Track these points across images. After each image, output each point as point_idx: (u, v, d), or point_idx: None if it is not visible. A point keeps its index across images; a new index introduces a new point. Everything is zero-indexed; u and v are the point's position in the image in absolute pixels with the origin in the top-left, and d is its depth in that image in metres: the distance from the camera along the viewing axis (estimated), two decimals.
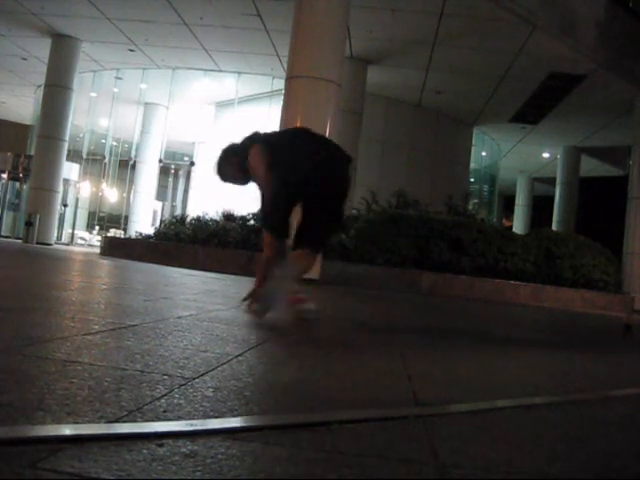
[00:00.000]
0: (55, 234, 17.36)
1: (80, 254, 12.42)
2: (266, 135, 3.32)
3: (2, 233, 19.89)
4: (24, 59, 17.54)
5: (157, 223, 18.53)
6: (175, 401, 1.21)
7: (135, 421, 1.05)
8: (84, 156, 21.45)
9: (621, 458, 1.18)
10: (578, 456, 1.14)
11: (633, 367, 2.98)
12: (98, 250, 13.84)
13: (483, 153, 21.61)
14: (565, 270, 10.41)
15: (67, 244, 19.96)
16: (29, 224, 15.60)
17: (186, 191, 25.43)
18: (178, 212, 21.02)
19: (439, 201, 12.47)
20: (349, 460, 0.96)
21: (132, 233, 17.05)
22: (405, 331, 3.57)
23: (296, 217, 3.08)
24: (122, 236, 18.78)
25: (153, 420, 1.07)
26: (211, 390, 1.35)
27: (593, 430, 1.38)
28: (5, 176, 19.91)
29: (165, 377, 1.41)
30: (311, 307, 2.87)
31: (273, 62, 15.30)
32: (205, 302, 3.52)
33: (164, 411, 1.13)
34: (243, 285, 6.16)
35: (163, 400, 1.20)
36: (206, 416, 1.14)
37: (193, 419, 1.11)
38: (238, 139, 3.32)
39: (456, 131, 18.52)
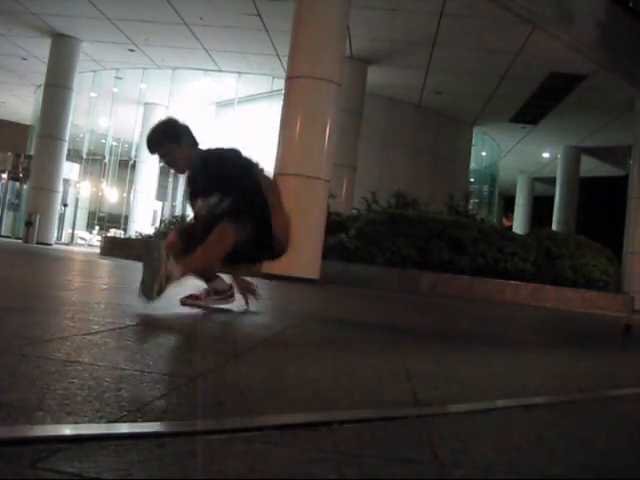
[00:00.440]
0: (55, 234, 17.36)
1: (80, 254, 12.42)
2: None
3: (2, 233, 19.89)
4: (24, 59, 17.54)
5: (157, 223, 18.52)
6: (175, 401, 1.21)
7: (135, 421, 1.05)
8: (84, 156, 21.46)
9: (621, 458, 1.18)
10: (578, 456, 1.14)
11: (633, 367, 2.98)
12: (98, 250, 13.85)
13: (483, 153, 21.60)
14: (565, 270, 10.41)
15: (67, 244, 19.96)
16: (29, 224, 15.61)
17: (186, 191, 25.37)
18: (178, 212, 21.01)
19: (439, 201, 12.47)
20: (349, 460, 0.96)
21: (132, 233, 17.06)
22: (405, 331, 3.57)
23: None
24: (122, 236, 18.78)
25: (153, 420, 1.07)
26: (211, 390, 1.35)
27: (593, 430, 1.38)
28: (5, 176, 19.91)
29: (165, 377, 1.41)
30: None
31: (273, 62, 15.30)
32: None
33: (164, 411, 1.13)
34: None
35: (163, 400, 1.20)
36: (206, 416, 1.14)
37: (193, 419, 1.11)
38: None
39: (456, 131, 18.52)
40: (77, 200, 22.15)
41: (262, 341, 2.40)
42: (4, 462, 0.81)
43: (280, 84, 13.39)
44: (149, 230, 14.87)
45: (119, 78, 18.61)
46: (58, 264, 7.65)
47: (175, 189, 28.85)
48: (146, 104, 20.70)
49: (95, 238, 22.03)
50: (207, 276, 3.14)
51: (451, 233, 9.72)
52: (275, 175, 8.13)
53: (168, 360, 1.63)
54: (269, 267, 6.64)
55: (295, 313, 3.18)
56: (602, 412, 1.66)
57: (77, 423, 1.00)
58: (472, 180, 21.26)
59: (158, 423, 1.06)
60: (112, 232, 21.65)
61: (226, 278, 3.23)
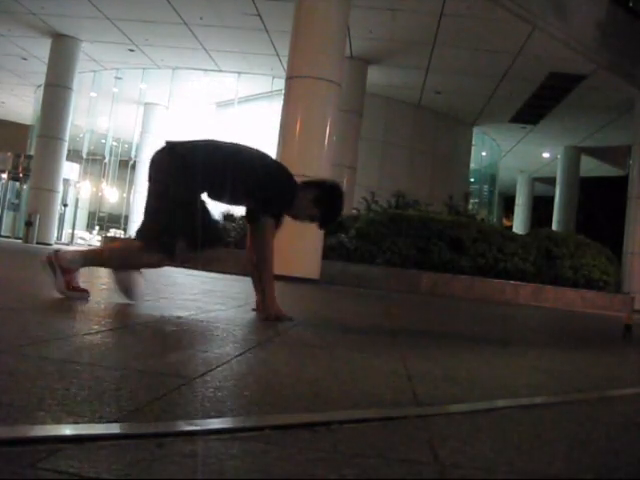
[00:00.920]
0: (55, 234, 17.36)
1: None
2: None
3: (2, 233, 19.88)
4: (24, 59, 17.54)
5: None
6: (175, 401, 1.21)
7: (135, 421, 1.05)
8: (84, 156, 21.46)
9: (621, 458, 1.18)
10: (578, 456, 1.14)
11: (633, 367, 2.98)
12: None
13: (483, 153, 21.61)
14: (565, 270, 10.41)
15: (67, 244, 19.95)
16: (29, 224, 15.61)
17: None
18: None
19: (439, 201, 12.48)
20: (349, 460, 0.96)
21: (132, 233, 17.06)
22: (405, 331, 3.57)
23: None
24: (122, 236, 18.78)
25: (153, 420, 1.07)
26: (211, 390, 1.35)
27: (593, 430, 1.38)
28: (5, 176, 19.91)
29: (165, 377, 1.41)
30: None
31: (273, 62, 15.30)
32: (205, 302, 3.52)
33: (164, 411, 1.13)
34: (243, 285, 6.16)
35: (163, 400, 1.20)
36: (206, 416, 1.14)
37: (193, 419, 1.11)
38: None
39: (456, 131, 18.52)
40: (77, 200, 22.15)
41: (262, 341, 2.40)
42: (4, 462, 0.81)
43: (280, 84, 13.39)
44: None
45: (119, 78, 18.62)
46: None
47: None
48: (146, 104, 20.71)
49: (95, 238, 22.03)
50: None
51: (451, 233, 9.72)
52: None
53: (168, 360, 1.63)
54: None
55: (295, 313, 3.18)
56: (602, 412, 1.66)
57: (77, 423, 1.00)
58: (472, 180, 21.27)
59: (158, 423, 1.05)
60: (112, 232, 21.65)
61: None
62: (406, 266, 9.47)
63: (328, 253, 9.10)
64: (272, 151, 9.01)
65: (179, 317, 2.67)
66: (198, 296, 4.06)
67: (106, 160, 21.82)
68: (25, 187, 19.56)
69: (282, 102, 9.20)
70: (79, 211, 23.06)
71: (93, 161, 22.15)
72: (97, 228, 24.50)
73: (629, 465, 1.14)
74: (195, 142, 3.07)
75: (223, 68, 16.70)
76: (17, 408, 1.04)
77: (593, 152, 20.87)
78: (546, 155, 22.60)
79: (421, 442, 1.11)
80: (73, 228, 21.81)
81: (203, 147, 3.03)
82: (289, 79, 9.00)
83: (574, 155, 21.10)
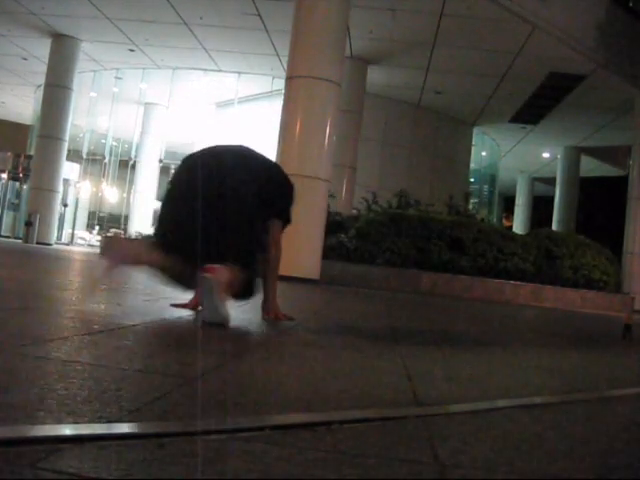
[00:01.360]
0: (55, 234, 17.37)
1: (80, 254, 12.43)
2: None
3: (2, 233, 19.89)
4: (24, 59, 17.54)
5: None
6: (175, 401, 1.21)
7: (135, 421, 1.05)
8: (84, 156, 21.46)
9: (621, 458, 1.18)
10: (578, 456, 1.14)
11: (633, 367, 2.98)
12: (98, 250, 13.85)
13: (483, 153, 21.61)
14: (565, 270, 10.41)
15: (67, 244, 19.96)
16: (29, 224, 15.61)
17: None
18: None
19: (439, 201, 12.48)
20: (349, 460, 0.96)
21: (132, 233, 17.06)
22: (405, 331, 3.57)
23: None
24: (122, 236, 18.78)
25: (153, 420, 1.07)
26: (211, 390, 1.35)
27: (593, 430, 1.38)
28: (5, 176, 19.91)
29: (165, 377, 1.41)
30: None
31: (273, 62, 15.30)
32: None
33: (164, 411, 1.13)
34: None
35: (163, 400, 1.20)
36: (206, 416, 1.14)
37: (193, 419, 1.11)
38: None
39: (456, 131, 18.52)
40: (77, 200, 22.15)
41: (262, 341, 2.40)
42: (4, 462, 0.80)
43: (280, 84, 13.39)
44: (149, 230, 14.86)
45: (119, 78, 18.62)
46: (58, 264, 7.65)
47: None
48: (146, 104, 20.70)
49: (95, 238, 22.03)
50: None
51: (451, 233, 9.72)
52: None
53: (168, 360, 1.63)
54: None
55: (295, 313, 3.18)
56: (602, 412, 1.66)
57: (77, 423, 1.00)
58: (472, 180, 21.27)
59: (158, 423, 1.06)
60: (112, 232, 21.65)
61: None
62: (406, 266, 9.47)
63: (328, 253, 9.10)
64: (272, 151, 9.02)
65: (179, 317, 2.67)
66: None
67: (106, 160, 21.82)
68: (25, 187, 19.56)
69: (282, 102, 9.20)
70: (79, 211, 23.07)
71: (93, 161, 22.15)
72: (97, 228, 24.50)
73: (629, 465, 1.14)
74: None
75: (223, 68, 16.70)
76: (17, 408, 1.04)
77: (593, 152, 20.87)
78: (546, 155, 22.60)
79: (421, 442, 1.11)
80: (73, 228, 21.82)
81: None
82: (289, 79, 9.00)
83: (574, 155, 21.10)
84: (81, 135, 21.46)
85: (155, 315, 2.67)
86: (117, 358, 1.59)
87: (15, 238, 18.36)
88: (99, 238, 18.15)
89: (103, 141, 22.30)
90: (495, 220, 23.53)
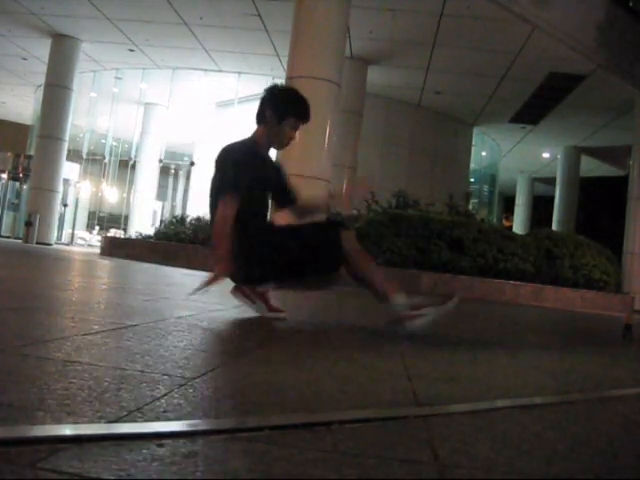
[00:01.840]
0: (55, 234, 17.37)
1: (80, 254, 12.43)
2: None
3: (2, 233, 19.89)
4: (24, 59, 17.54)
5: (157, 223, 18.53)
6: (175, 401, 1.21)
7: (135, 421, 1.05)
8: (84, 156, 21.46)
9: (621, 458, 1.18)
10: (578, 456, 1.14)
11: (633, 367, 2.98)
12: (98, 250, 13.85)
13: (483, 153, 21.61)
14: (565, 270, 10.40)
15: (67, 244, 19.96)
16: (29, 224, 15.61)
17: (186, 191, 25.44)
18: (178, 212, 21.03)
19: (439, 201, 12.47)
20: (349, 460, 0.96)
21: (132, 233, 17.06)
22: (405, 331, 3.56)
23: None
24: (122, 236, 18.79)
25: (153, 420, 1.07)
26: (211, 390, 1.35)
27: (593, 430, 1.38)
28: (5, 176, 19.92)
29: (165, 377, 1.41)
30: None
31: (273, 62, 15.30)
32: (205, 302, 3.52)
33: (164, 411, 1.13)
34: None
35: (163, 400, 1.20)
36: (206, 416, 1.14)
37: (193, 419, 1.11)
38: None
39: (456, 131, 18.52)
40: (77, 200, 22.15)
41: (262, 341, 2.40)
42: (4, 462, 0.81)
43: None
44: (149, 230, 14.87)
45: (119, 78, 18.62)
46: (58, 264, 7.66)
47: (175, 189, 28.91)
48: (146, 104, 20.71)
49: (95, 238, 22.03)
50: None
51: (451, 233, 9.72)
52: None
53: (168, 360, 1.63)
54: None
55: (295, 313, 3.18)
56: (602, 412, 1.66)
57: (77, 423, 1.00)
58: (472, 180, 21.27)
59: (158, 423, 1.06)
60: (112, 232, 21.66)
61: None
62: (406, 266, 9.47)
63: None
64: (272, 151, 9.01)
65: (179, 317, 2.67)
66: (198, 296, 4.05)
67: (106, 160, 21.82)
68: (25, 187, 19.56)
69: None
70: (79, 211, 23.07)
71: (93, 161, 22.15)
72: (97, 228, 24.50)
73: (629, 465, 1.14)
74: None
75: (223, 68, 16.70)
76: (17, 408, 1.04)
77: (593, 152, 20.87)
78: (546, 155, 22.60)
79: (421, 442, 1.11)
80: (73, 228, 21.82)
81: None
82: (289, 79, 9.00)
83: (574, 155, 21.10)
84: (81, 135, 21.46)
85: (155, 315, 2.67)
86: (117, 358, 1.59)
87: (15, 238, 18.37)
88: (99, 238, 18.15)
89: (103, 141, 22.31)
90: (495, 220, 23.53)
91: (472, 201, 19.11)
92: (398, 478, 0.92)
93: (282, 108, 3.26)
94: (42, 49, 15.93)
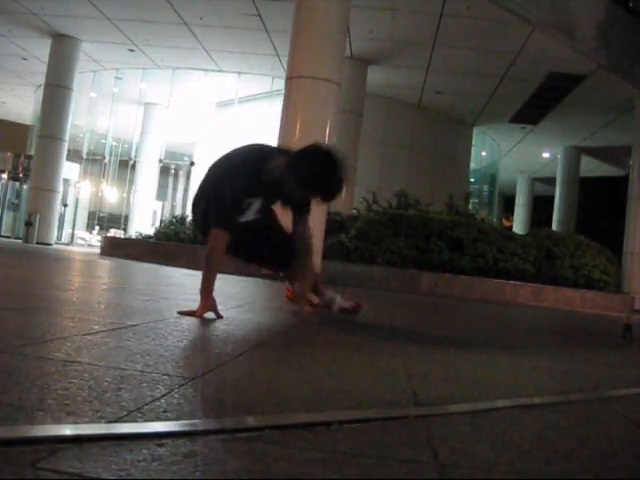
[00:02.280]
0: (55, 234, 17.36)
1: (80, 254, 12.43)
2: None
3: (2, 233, 19.89)
4: (24, 59, 17.54)
5: (157, 223, 18.53)
6: (175, 401, 1.21)
7: (135, 421, 1.05)
8: (84, 156, 21.46)
9: (621, 458, 1.18)
10: (578, 456, 1.14)
11: (633, 367, 2.98)
12: (98, 250, 13.85)
13: (483, 153, 21.61)
14: (565, 270, 10.40)
15: (67, 244, 19.96)
16: (29, 224, 15.61)
17: (186, 191, 25.46)
18: (178, 212, 21.03)
19: (439, 201, 12.48)
20: (349, 460, 0.96)
21: (132, 233, 17.06)
22: (405, 331, 3.57)
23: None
24: (122, 236, 18.79)
25: (153, 420, 1.07)
26: (211, 390, 1.35)
27: (593, 430, 1.38)
28: (5, 176, 19.91)
29: (165, 377, 1.41)
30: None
31: (273, 62, 15.30)
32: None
33: (164, 411, 1.13)
34: (243, 285, 6.16)
35: (163, 400, 1.20)
36: (206, 416, 1.14)
37: (193, 419, 1.11)
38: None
39: (456, 131, 18.52)
40: (77, 200, 22.15)
41: (262, 341, 2.40)
42: (4, 462, 0.81)
43: (280, 84, 13.39)
44: (149, 230, 14.87)
45: (119, 78, 18.61)
46: (58, 264, 7.66)
47: (175, 189, 28.91)
48: (146, 104, 20.70)
49: (95, 238, 22.03)
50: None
51: (451, 233, 9.72)
52: None
53: (168, 360, 1.63)
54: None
55: (295, 313, 3.18)
56: (602, 412, 1.66)
57: (77, 423, 1.00)
58: (472, 180, 21.27)
59: (158, 423, 1.06)
60: (112, 232, 21.66)
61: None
62: (406, 266, 9.47)
63: (328, 253, 9.09)
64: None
65: (179, 317, 2.67)
66: (198, 296, 4.05)
67: (106, 160, 21.82)
68: (25, 187, 19.56)
69: (282, 102, 9.19)
70: (79, 211, 23.07)
71: (93, 161, 22.15)
72: (97, 228, 24.50)
73: (629, 465, 1.14)
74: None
75: (223, 68, 16.70)
76: (17, 408, 1.04)
77: (593, 152, 20.87)
78: (546, 155, 22.60)
79: (421, 442, 1.11)
80: (73, 228, 21.81)
81: None
82: (289, 79, 9.00)
83: (574, 155, 21.09)
84: (81, 135, 21.46)
85: (155, 315, 2.67)
86: (117, 358, 1.59)
87: (15, 238, 18.36)
88: (99, 238, 18.16)
89: (103, 141, 22.31)
90: (495, 220, 23.53)
91: (472, 201, 19.12)
92: (398, 478, 0.92)
93: (308, 185, 2.84)
94: (42, 49, 15.93)
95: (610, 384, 2.21)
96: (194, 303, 3.44)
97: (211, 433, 1.04)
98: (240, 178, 2.85)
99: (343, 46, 9.43)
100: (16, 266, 6.09)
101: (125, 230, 21.00)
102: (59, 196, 16.62)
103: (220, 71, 16.95)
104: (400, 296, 7.91)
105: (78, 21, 14.37)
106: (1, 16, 14.25)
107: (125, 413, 1.08)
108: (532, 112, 16.85)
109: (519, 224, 25.93)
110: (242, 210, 2.80)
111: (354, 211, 11.72)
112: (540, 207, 26.96)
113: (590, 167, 22.29)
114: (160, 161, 20.94)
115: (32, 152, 18.30)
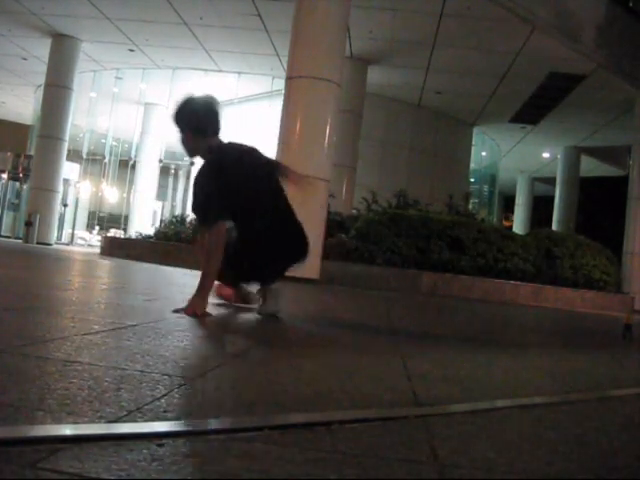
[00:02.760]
0: (55, 234, 17.36)
1: (80, 254, 12.43)
2: None
3: (2, 233, 19.88)
4: (24, 59, 17.54)
5: (157, 223, 18.53)
6: (175, 401, 1.21)
7: (135, 421, 1.05)
8: (84, 156, 21.46)
9: (621, 458, 1.18)
10: (578, 456, 1.14)
11: (633, 367, 2.98)
12: (98, 250, 13.85)
13: (483, 153, 21.61)
14: (565, 270, 10.40)
15: (67, 244, 19.96)
16: (29, 224, 15.60)
17: (186, 191, 25.43)
18: (178, 212, 21.03)
19: (439, 201, 12.48)
20: (349, 460, 0.96)
21: (132, 233, 17.06)
22: (405, 331, 3.57)
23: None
24: (122, 236, 18.79)
25: (153, 420, 1.07)
26: (211, 390, 1.35)
27: (593, 430, 1.38)
28: (5, 176, 19.91)
29: (165, 377, 1.41)
30: None
31: (273, 62, 15.30)
32: None
33: (164, 411, 1.13)
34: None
35: (163, 400, 1.20)
36: (206, 416, 1.14)
37: (193, 419, 1.11)
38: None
39: (456, 131, 18.51)
40: (77, 200, 22.14)
41: (262, 341, 2.40)
42: (4, 462, 0.81)
43: (280, 84, 13.38)
44: (149, 230, 14.87)
45: (119, 78, 18.61)
46: (58, 264, 7.66)
47: (175, 189, 28.90)
48: (146, 104, 20.70)
49: (95, 238, 22.03)
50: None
51: (451, 233, 9.72)
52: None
53: (168, 360, 1.63)
54: None
55: (295, 313, 3.18)
56: (602, 412, 1.66)
57: (77, 423, 1.00)
58: (472, 180, 21.26)
59: (158, 423, 1.06)
60: (112, 232, 21.66)
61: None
62: (406, 266, 9.47)
63: (328, 253, 9.09)
64: (272, 151, 9.02)
65: (179, 317, 2.67)
66: None
67: (106, 160, 21.82)
68: (25, 187, 19.55)
69: (282, 102, 9.19)
70: (79, 211, 23.06)
71: (93, 161, 22.14)
72: (97, 228, 24.50)
73: (629, 465, 1.14)
74: None
75: (223, 68, 16.69)
76: (17, 408, 1.04)
77: (593, 152, 20.86)
78: (546, 155, 22.59)
79: (421, 442, 1.11)
80: (73, 228, 21.81)
81: None
82: (289, 79, 8.99)
83: (574, 155, 21.09)
84: (81, 135, 21.45)
85: (155, 315, 2.67)
86: (117, 358, 1.59)
87: (15, 238, 18.36)
88: (99, 238, 18.15)
89: (103, 141, 22.30)
90: (495, 220, 23.53)
91: (472, 201, 19.11)
92: (398, 478, 0.91)
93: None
94: (42, 49, 15.92)
95: (610, 384, 2.21)
96: None
97: (211, 433, 1.03)
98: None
99: (343, 46, 9.44)
100: (16, 266, 6.09)
101: (125, 230, 21.00)
102: (59, 196, 16.61)
103: (220, 71, 16.94)
104: (400, 296, 7.91)
105: (78, 21, 14.37)
106: (1, 16, 14.25)
107: (125, 413, 1.08)
108: (532, 112, 16.85)
109: (519, 224, 25.93)
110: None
111: (354, 211, 11.73)
112: (540, 207, 26.96)
113: (590, 167, 22.29)
114: (160, 161, 20.93)
115: (32, 152, 18.29)
